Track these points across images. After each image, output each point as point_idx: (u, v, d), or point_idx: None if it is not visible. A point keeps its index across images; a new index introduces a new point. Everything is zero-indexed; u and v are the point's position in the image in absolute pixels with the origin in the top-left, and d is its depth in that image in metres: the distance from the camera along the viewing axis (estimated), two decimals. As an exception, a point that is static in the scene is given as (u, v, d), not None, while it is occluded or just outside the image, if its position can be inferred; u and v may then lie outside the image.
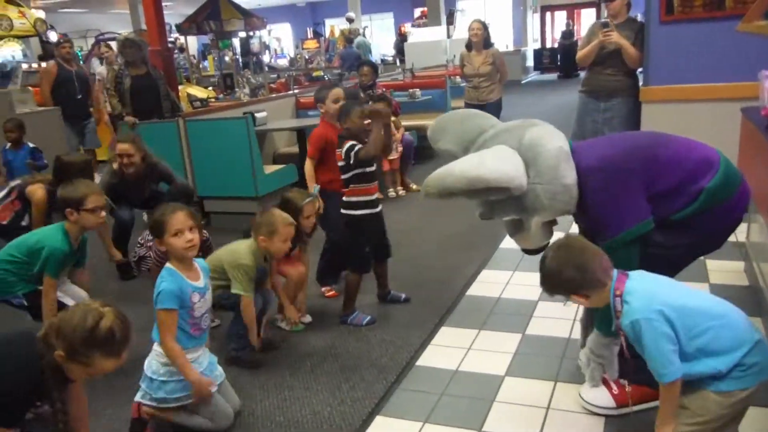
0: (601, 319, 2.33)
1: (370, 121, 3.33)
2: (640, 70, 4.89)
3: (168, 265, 2.50)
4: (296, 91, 7.87)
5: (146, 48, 5.98)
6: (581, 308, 2.77)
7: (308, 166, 3.79)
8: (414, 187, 6.34)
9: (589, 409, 2.52)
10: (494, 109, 5.91)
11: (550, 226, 2.50)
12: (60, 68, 6.85)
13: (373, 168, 3.42)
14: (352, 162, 3.31)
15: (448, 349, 3.10)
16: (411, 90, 7.38)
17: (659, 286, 1.92)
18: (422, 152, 7.43)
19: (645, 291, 1.87)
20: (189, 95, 10.09)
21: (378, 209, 3.47)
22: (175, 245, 2.45)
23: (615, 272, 1.93)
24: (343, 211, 3.44)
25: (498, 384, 2.76)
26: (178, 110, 6.14)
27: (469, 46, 6.23)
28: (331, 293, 3.88)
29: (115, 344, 1.89)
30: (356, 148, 3.28)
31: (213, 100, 9.41)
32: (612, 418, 2.46)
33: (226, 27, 13.22)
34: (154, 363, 2.50)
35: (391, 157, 6.13)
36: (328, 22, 23.64)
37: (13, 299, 3.05)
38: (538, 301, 3.53)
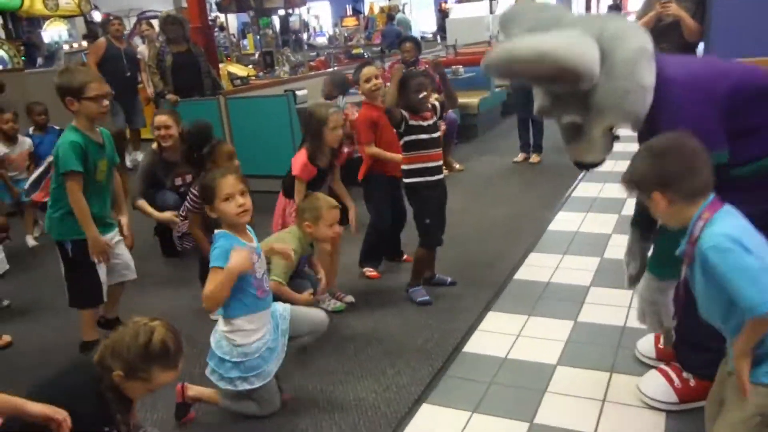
0: (657, 258, 2.15)
1: (425, 94, 3.21)
2: (700, 46, 4.62)
3: (218, 231, 2.40)
4: (336, 68, 7.74)
5: (187, 25, 5.94)
6: (637, 291, 2.57)
7: (373, 151, 3.62)
8: (457, 166, 6.18)
9: (648, 404, 2.37)
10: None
11: (611, 137, 2.24)
12: (109, 45, 6.84)
13: (430, 135, 3.27)
14: (400, 130, 3.22)
15: (497, 336, 2.98)
16: (454, 67, 7.19)
17: (753, 234, 1.61)
18: (465, 131, 7.28)
19: (736, 226, 1.60)
20: (229, 73, 10.07)
21: (435, 177, 3.32)
22: (227, 210, 2.34)
23: (711, 196, 1.67)
24: (404, 180, 3.34)
25: (550, 373, 2.64)
26: (219, 88, 6.10)
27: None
28: (372, 273, 3.80)
29: (171, 356, 1.92)
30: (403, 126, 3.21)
31: (253, 78, 9.36)
32: (674, 414, 2.31)
33: (265, 4, 13.15)
34: (224, 343, 2.40)
35: (433, 135, 5.99)
36: (368, 0, 23.36)
37: (66, 245, 2.95)
38: (590, 287, 3.38)
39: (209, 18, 14.03)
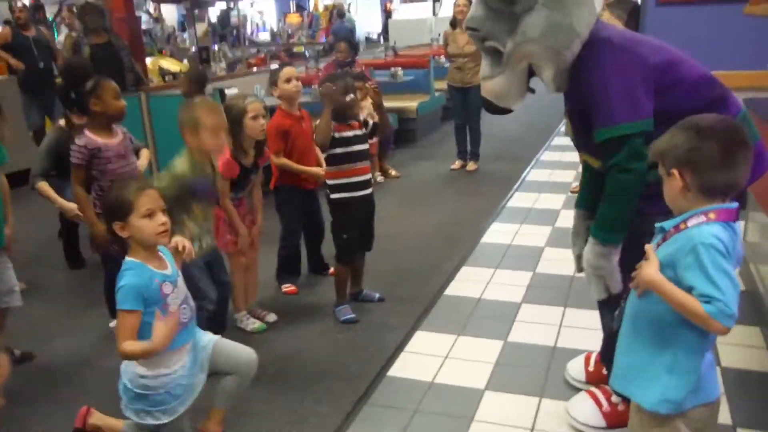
0: (601, 223, 2.01)
1: (352, 96, 3.03)
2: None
3: (128, 257, 2.03)
4: (273, 67, 7.47)
5: (108, 15, 5.56)
6: (566, 307, 2.44)
7: (281, 162, 3.39)
8: (393, 173, 6.03)
9: (576, 427, 2.27)
10: (478, 93, 5.58)
11: (525, 83, 2.14)
12: (16, 34, 6.33)
13: (357, 148, 3.09)
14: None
15: (424, 358, 2.83)
16: (393, 69, 7.02)
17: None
18: (402, 136, 7.14)
19: (733, 242, 1.47)
20: (161, 68, 9.67)
21: (365, 192, 3.15)
22: (146, 229, 1.97)
23: (734, 204, 1.51)
24: (329, 195, 3.15)
25: (477, 399, 2.50)
26: (143, 83, 5.75)
27: (453, 23, 5.89)
28: (289, 289, 3.59)
29: None
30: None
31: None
32: (603, 442, 2.21)
33: (201, -3, 12.70)
34: (129, 369, 2.07)
35: (370, 142, 5.82)
36: (312, -4, 23.01)
37: None
38: (521, 304, 3.28)
39: (144, 8, 13.47)
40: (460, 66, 5.83)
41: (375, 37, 18.09)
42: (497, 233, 4.34)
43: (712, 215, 1.47)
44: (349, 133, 3.06)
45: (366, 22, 20.22)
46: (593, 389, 2.36)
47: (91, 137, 2.92)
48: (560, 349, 2.82)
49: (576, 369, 2.59)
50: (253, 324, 3.17)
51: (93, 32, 5.45)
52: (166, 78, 9.00)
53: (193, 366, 2.14)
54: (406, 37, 11.00)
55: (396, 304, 3.36)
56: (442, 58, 7.88)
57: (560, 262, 3.73)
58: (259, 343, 3.00)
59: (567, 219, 4.53)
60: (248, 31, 18.53)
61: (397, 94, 7.14)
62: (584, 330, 2.93)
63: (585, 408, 2.30)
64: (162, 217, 2.00)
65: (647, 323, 1.58)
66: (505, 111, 2.19)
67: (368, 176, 3.17)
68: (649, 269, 1.50)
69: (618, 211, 1.96)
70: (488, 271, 3.71)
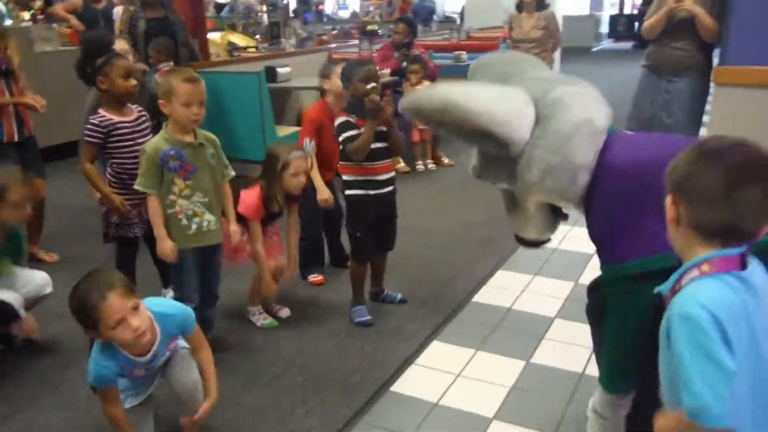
0: (607, 370, 1.81)
1: (374, 85, 2.79)
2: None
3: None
4: (332, 46, 7.31)
5: (166, -12, 5.50)
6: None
7: None
8: (446, 161, 5.74)
9: None
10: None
11: (551, 214, 1.96)
12: (85, 6, 6.41)
13: (379, 144, 2.85)
14: (340, 143, 2.82)
15: (434, 374, 2.59)
16: (456, 52, 6.66)
17: (748, 327, 1.14)
18: (462, 122, 6.81)
19: (732, 303, 1.13)
20: (229, 43, 9.67)
21: (382, 191, 2.92)
22: (122, 338, 1.87)
23: (736, 250, 1.17)
24: (344, 191, 2.95)
25: (482, 429, 2.24)
26: (197, 59, 5.69)
27: (519, 6, 5.51)
28: (316, 279, 3.43)
29: None
30: (348, 134, 2.79)
31: (253, 49, 8.94)
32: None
33: (278, -28, 12.65)
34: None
35: (421, 127, 5.56)
36: (395, -27, 22.62)
37: None
38: (555, 318, 2.97)
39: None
40: (524, 52, 5.43)
41: (456, 17, 17.57)
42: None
43: (705, 267, 1.15)
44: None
45: (448, 1, 19.71)
46: None
47: (106, 115, 2.85)
48: (588, 377, 2.50)
49: None
50: (264, 320, 3.02)
51: (150, 6, 5.40)
52: (234, 53, 9.01)
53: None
54: (483, 17, 10.52)
55: (417, 307, 3.12)
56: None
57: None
58: (266, 341, 2.87)
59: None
60: (329, 8, 18.46)
61: (461, 77, 6.78)
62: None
63: None
64: (134, 322, 1.86)
65: None
66: (540, 243, 2.07)
67: (388, 175, 2.94)
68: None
69: (625, 355, 1.74)
70: (525, 277, 3.41)
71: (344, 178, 2.91)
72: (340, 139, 2.82)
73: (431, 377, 2.56)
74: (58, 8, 6.67)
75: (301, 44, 9.70)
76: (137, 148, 2.84)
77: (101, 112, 2.86)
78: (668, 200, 1.21)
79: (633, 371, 1.72)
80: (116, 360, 1.93)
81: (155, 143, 2.48)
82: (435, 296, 3.23)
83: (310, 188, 3.23)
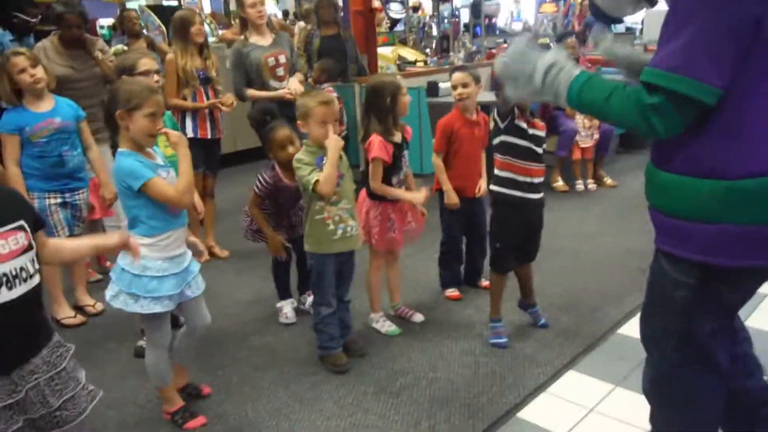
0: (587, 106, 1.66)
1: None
2: None
3: (120, 149, 2.22)
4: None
5: (340, 8, 5.86)
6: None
7: (436, 162, 3.34)
8: (609, 182, 5.46)
9: None
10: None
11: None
12: None
13: (530, 145, 2.82)
14: (501, 126, 2.85)
15: (566, 405, 2.49)
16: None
17: None
18: (629, 140, 6.43)
19: None
20: (399, 56, 9.99)
21: (533, 196, 2.88)
22: (145, 128, 2.17)
23: None
24: (491, 186, 2.97)
25: (611, 471, 2.12)
26: (365, 74, 5.98)
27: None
28: (453, 294, 3.45)
29: None
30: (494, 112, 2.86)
31: (422, 63, 9.16)
32: None
33: (448, -13, 12.83)
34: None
35: (583, 145, 5.35)
36: (573, -16, 21.93)
37: None
38: (711, 362, 2.70)
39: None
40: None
41: (639, 28, 16.61)
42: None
43: None
44: (526, 127, 2.80)
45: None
46: None
47: (278, 174, 3.08)
48: (742, 431, 2.25)
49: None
50: (389, 327, 3.11)
51: (325, 24, 5.78)
52: (403, 67, 9.30)
53: (180, 275, 2.30)
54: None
55: (557, 334, 3.01)
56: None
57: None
58: (399, 351, 2.94)
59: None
60: (502, 20, 18.34)
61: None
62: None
63: None
64: (161, 123, 2.21)
65: None
66: (616, 20, 1.90)
67: (539, 180, 2.89)
68: None
69: (608, 116, 1.60)
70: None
71: (496, 173, 2.90)
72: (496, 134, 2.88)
73: (562, 408, 2.47)
74: (228, 33, 7.44)
75: (470, 58, 9.76)
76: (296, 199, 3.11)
77: (277, 169, 3.07)
78: None
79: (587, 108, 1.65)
80: (138, 157, 2.20)
81: (302, 155, 2.66)
82: (578, 324, 3.10)
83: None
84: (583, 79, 1.61)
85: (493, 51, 11.51)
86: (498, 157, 2.90)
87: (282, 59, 4.47)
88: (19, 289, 1.56)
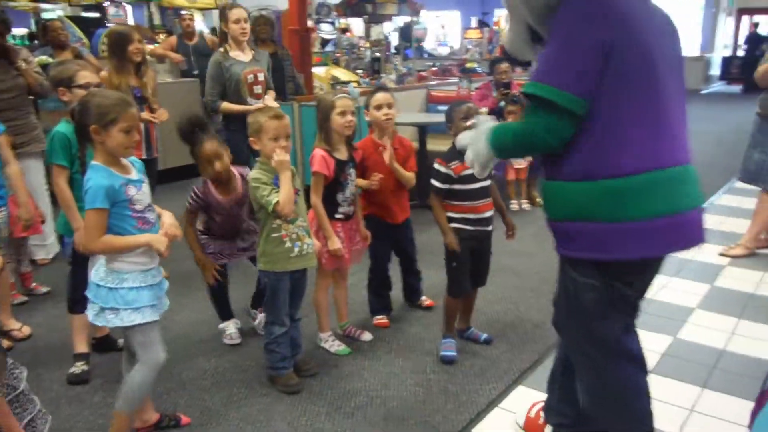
0: (502, 133, 1.92)
1: (474, 122, 2.83)
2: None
3: (93, 162, 2.14)
4: (433, 83, 7.43)
5: (277, 27, 5.84)
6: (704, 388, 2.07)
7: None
8: (541, 201, 5.65)
9: None
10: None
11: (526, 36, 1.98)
12: (179, 42, 7.11)
13: (481, 184, 2.89)
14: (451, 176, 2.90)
15: (513, 420, 2.53)
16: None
17: None
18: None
19: None
20: (333, 77, 10.05)
21: (475, 228, 2.94)
22: (122, 142, 2.12)
23: None
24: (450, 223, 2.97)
25: (566, 483, 2.17)
26: (302, 93, 5.96)
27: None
28: (380, 321, 3.40)
29: None
30: (437, 185, 2.90)
31: (355, 84, 9.23)
32: None
33: (379, 10, 13.09)
34: (101, 269, 2.17)
35: (517, 166, 5.53)
36: (498, 12, 22.80)
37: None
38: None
39: (328, 19, 14.19)
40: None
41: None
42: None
43: None
44: (469, 171, 2.85)
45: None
46: None
47: (209, 190, 2.97)
48: (684, 438, 2.37)
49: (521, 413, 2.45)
50: (338, 346, 3.09)
51: (262, 42, 5.73)
52: (337, 87, 9.35)
53: (155, 288, 2.23)
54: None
55: (505, 350, 3.08)
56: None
57: (709, 330, 3.21)
58: (350, 370, 2.91)
59: (730, 278, 3.93)
60: (429, 44, 18.78)
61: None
62: (722, 422, 2.45)
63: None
64: (137, 135, 2.18)
65: None
66: (523, 63, 2.11)
67: (489, 213, 2.96)
68: None
69: (514, 147, 1.91)
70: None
71: (449, 214, 2.94)
72: (432, 182, 2.89)
73: (510, 424, 2.51)
74: (159, 49, 7.54)
75: (401, 80, 9.92)
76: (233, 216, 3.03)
77: (209, 184, 2.96)
78: None
79: (507, 153, 1.96)
80: (108, 173, 2.13)
81: (259, 175, 2.60)
82: (523, 340, 3.18)
83: (373, 230, 3.23)
84: (491, 131, 1.93)
85: (423, 73, 11.76)
86: (448, 202, 2.93)
87: (260, 77, 4.44)
88: None
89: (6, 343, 3.15)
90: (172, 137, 4.06)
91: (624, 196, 1.66)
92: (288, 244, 2.64)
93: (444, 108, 6.23)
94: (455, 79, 8.58)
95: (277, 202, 2.51)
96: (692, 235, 1.75)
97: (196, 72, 6.98)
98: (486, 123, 2.02)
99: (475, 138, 1.98)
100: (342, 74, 10.36)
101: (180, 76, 7.32)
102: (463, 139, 2.13)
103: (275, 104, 4.27)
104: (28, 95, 4.10)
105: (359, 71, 11.37)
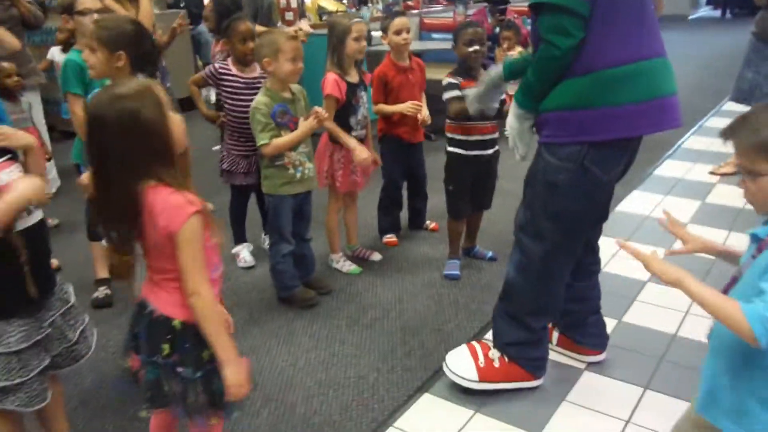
0: (522, 91, 2.07)
1: (476, 48, 2.88)
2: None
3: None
4: (415, 12, 7.33)
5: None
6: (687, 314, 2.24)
7: (376, 109, 3.32)
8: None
9: (451, 378, 2.27)
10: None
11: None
12: None
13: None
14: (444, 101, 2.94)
15: (526, 326, 2.70)
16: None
17: None
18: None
19: None
20: (320, 7, 9.84)
21: (480, 153, 3.02)
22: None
23: None
24: (447, 146, 3.08)
25: (575, 381, 2.35)
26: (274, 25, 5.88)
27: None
28: (390, 240, 3.54)
29: None
30: (452, 94, 2.89)
31: (342, 13, 9.07)
32: None
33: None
34: None
35: (512, 93, 5.56)
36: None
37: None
38: (645, 283, 3.00)
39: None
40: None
41: None
42: (636, 202, 4.00)
43: None
44: (475, 89, 2.90)
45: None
46: (473, 342, 2.36)
47: (228, 65, 3.08)
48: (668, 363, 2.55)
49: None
50: (349, 266, 3.22)
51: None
52: (324, 17, 9.18)
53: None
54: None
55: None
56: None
57: (702, 242, 3.37)
58: (365, 288, 3.05)
59: (720, 195, 4.08)
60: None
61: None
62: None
63: (461, 358, 2.29)
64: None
65: (728, 343, 1.31)
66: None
67: (492, 136, 3.02)
68: (656, 265, 1.30)
69: (534, 78, 1.97)
70: (622, 234, 3.44)
71: (448, 135, 3.02)
72: (444, 98, 2.93)
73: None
74: None
75: (387, 9, 9.75)
76: (245, 104, 3.05)
77: (228, 63, 3.10)
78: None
79: (537, 94, 1.97)
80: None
81: (263, 101, 2.65)
82: (526, 256, 3.32)
83: (388, 150, 3.33)
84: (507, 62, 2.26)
85: (410, 2, 11.52)
86: (449, 123, 3.00)
87: (293, 3, 4.38)
88: (35, 216, 1.58)
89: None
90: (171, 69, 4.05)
91: (618, 83, 1.84)
92: (291, 170, 2.72)
93: (438, 36, 6.24)
94: (440, 7, 8.47)
95: (266, 144, 2.59)
96: (672, 116, 1.94)
97: (183, 4, 6.83)
98: (490, 72, 2.26)
99: (510, 122, 2.16)
100: (329, 4, 10.15)
101: (165, 8, 7.15)
102: (470, 93, 2.40)
103: (310, 30, 4.26)
104: (22, 26, 4.03)
105: (345, 1, 11.13)
